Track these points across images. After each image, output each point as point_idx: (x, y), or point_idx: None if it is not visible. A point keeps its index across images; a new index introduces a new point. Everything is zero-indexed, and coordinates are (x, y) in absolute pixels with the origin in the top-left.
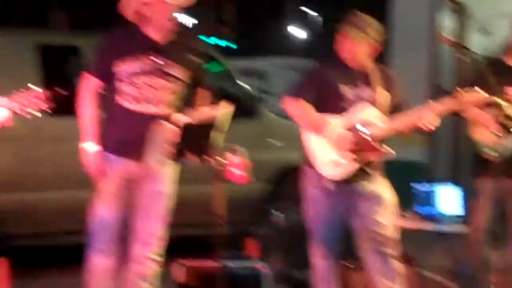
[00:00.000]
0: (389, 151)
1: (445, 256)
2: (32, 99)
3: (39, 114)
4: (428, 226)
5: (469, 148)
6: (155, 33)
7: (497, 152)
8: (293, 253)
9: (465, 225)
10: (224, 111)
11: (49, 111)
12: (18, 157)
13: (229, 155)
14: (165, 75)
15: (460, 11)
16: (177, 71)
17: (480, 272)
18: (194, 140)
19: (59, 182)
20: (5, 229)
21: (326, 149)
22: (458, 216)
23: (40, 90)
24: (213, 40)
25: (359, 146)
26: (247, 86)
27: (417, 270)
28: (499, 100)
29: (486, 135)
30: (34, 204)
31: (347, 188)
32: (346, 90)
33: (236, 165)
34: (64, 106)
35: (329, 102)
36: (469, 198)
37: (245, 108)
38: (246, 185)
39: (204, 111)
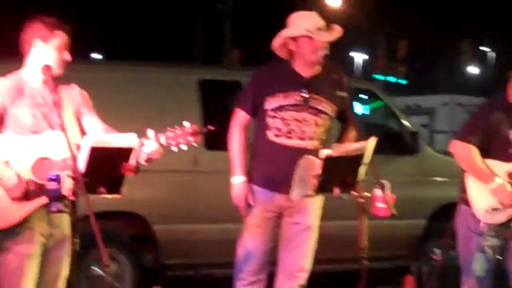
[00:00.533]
0: None
1: None
2: (181, 134)
3: (185, 148)
4: None
5: None
6: (303, 68)
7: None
8: None
9: None
10: (371, 145)
11: (205, 145)
12: (175, 190)
13: (374, 189)
14: (312, 109)
15: None
16: (324, 105)
17: None
18: (340, 173)
19: (213, 215)
20: (161, 259)
21: (486, 195)
22: None
23: (188, 125)
24: (383, 77)
25: None
26: (407, 123)
27: None
28: None
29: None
30: (189, 235)
31: (500, 231)
32: None
33: (380, 199)
34: (220, 140)
35: (496, 147)
36: None
37: (406, 145)
38: (406, 221)
39: (350, 145)
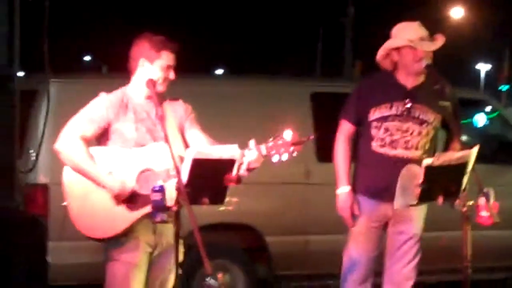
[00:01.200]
0: None
1: None
2: (282, 144)
3: (285, 158)
4: None
5: None
6: (406, 79)
7: None
8: None
9: None
10: (474, 153)
11: (317, 157)
12: (288, 201)
13: (478, 197)
14: (416, 119)
15: None
16: (427, 115)
17: None
18: (443, 182)
19: (325, 226)
20: (274, 270)
21: None
22: None
23: (290, 135)
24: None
25: None
26: None
27: None
28: None
29: None
30: (302, 246)
31: None
32: None
33: (484, 207)
34: (332, 152)
35: None
36: None
37: None
38: None
39: (453, 154)
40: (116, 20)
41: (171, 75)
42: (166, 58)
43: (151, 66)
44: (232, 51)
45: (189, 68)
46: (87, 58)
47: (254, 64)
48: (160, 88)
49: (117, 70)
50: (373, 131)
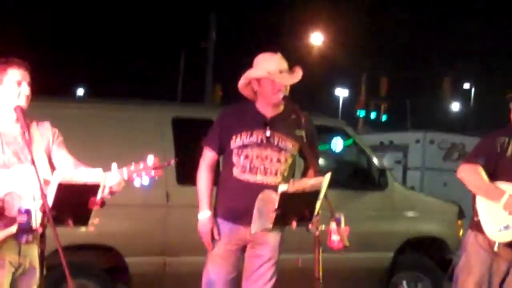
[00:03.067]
0: None
1: None
2: (143, 168)
3: (147, 182)
4: None
5: None
6: (265, 108)
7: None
8: None
9: None
10: (326, 180)
11: (177, 180)
12: (148, 223)
13: (330, 223)
14: (275, 147)
15: None
16: (286, 143)
17: None
18: (297, 208)
19: (185, 248)
20: None
21: (498, 214)
22: None
23: (151, 159)
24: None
25: None
26: (375, 159)
27: None
28: None
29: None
30: (161, 267)
31: (508, 253)
32: None
33: (335, 231)
34: (191, 176)
35: (503, 170)
36: None
37: (374, 180)
38: (374, 253)
39: (307, 181)
40: None
41: (24, 89)
42: (13, 74)
43: (1, 86)
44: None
45: (49, 85)
46: None
47: (114, 85)
48: (22, 103)
49: None
50: (234, 158)
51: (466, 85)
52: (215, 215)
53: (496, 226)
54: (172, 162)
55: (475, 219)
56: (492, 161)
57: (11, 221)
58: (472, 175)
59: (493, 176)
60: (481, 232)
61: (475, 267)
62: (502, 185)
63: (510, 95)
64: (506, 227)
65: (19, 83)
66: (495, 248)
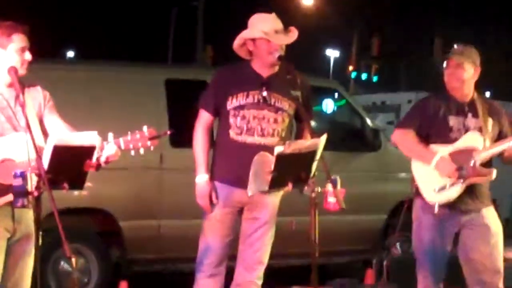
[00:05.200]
0: (492, 174)
1: None
2: (139, 138)
3: (142, 151)
4: None
5: None
6: (261, 69)
7: None
8: (405, 281)
9: None
10: (322, 142)
11: (171, 143)
12: (142, 186)
13: (326, 184)
14: (271, 107)
15: None
16: (282, 103)
17: None
18: (293, 170)
19: (178, 211)
20: (128, 254)
21: (432, 176)
22: None
23: (146, 130)
24: (354, 74)
25: (463, 170)
26: (369, 120)
27: None
28: None
29: None
30: (155, 231)
31: (453, 216)
32: (453, 120)
33: (331, 193)
34: (185, 138)
35: (437, 133)
36: None
37: (367, 141)
38: (368, 216)
39: (302, 142)
40: None
41: (27, 56)
42: (18, 40)
43: (5, 52)
44: (82, 31)
45: (38, 48)
46: None
47: (104, 46)
48: (21, 71)
49: None
50: (231, 120)
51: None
52: (212, 178)
53: (432, 188)
54: (169, 132)
55: (414, 184)
56: (425, 125)
57: (6, 188)
58: (405, 139)
59: (427, 139)
60: (421, 197)
61: (424, 232)
62: (435, 147)
63: (438, 59)
64: (442, 188)
65: (23, 50)
66: (436, 210)
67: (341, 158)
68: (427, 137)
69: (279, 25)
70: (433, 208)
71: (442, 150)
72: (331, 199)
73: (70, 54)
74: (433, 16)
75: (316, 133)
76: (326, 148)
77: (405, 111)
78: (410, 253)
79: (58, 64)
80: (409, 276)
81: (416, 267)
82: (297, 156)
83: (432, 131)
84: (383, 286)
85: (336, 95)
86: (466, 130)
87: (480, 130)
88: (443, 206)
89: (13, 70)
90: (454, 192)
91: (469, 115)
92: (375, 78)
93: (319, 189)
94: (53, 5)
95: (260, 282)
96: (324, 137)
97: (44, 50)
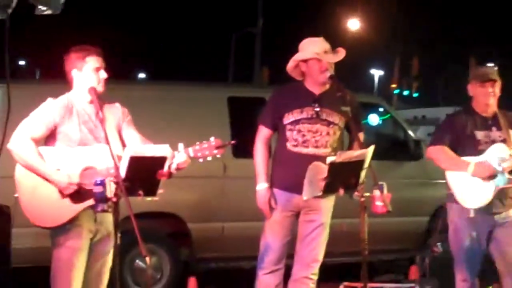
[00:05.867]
0: None
1: None
2: (207, 147)
3: (209, 159)
4: None
5: None
6: (313, 87)
7: None
8: (445, 276)
9: None
10: (370, 151)
11: (233, 154)
12: (208, 192)
13: (373, 190)
14: (324, 121)
15: None
16: (334, 118)
17: None
18: (343, 177)
19: (240, 214)
20: (195, 253)
21: (467, 183)
22: None
23: (213, 140)
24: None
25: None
26: (411, 132)
27: None
28: None
29: None
30: (219, 232)
31: (486, 217)
32: (480, 134)
33: (378, 198)
34: (246, 149)
35: (465, 147)
36: None
37: (410, 151)
38: (412, 218)
39: (352, 152)
40: (45, 24)
41: (102, 74)
42: (92, 61)
43: (82, 73)
44: (151, 56)
45: (113, 71)
46: (21, 62)
47: (172, 69)
48: (99, 89)
49: (48, 74)
50: (288, 133)
51: (491, 64)
52: (271, 185)
53: (468, 194)
54: (233, 142)
55: (449, 192)
56: (454, 140)
57: (89, 193)
58: (440, 154)
59: (457, 152)
60: (456, 202)
61: (459, 233)
62: (465, 159)
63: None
64: (476, 194)
65: (97, 70)
66: (471, 214)
67: (387, 167)
68: (456, 150)
69: (327, 46)
70: (467, 212)
71: (474, 159)
72: (379, 203)
73: (142, 75)
74: (467, 36)
75: (364, 144)
76: (373, 157)
77: None
78: (449, 252)
79: (134, 85)
80: (448, 272)
81: (453, 265)
82: (348, 164)
83: (461, 145)
84: (425, 281)
85: (381, 109)
86: (492, 142)
87: (504, 141)
88: (477, 210)
89: (93, 90)
90: (488, 195)
91: (493, 128)
92: (415, 94)
93: (368, 194)
94: (125, 33)
95: (315, 277)
96: (372, 148)
97: (118, 73)
